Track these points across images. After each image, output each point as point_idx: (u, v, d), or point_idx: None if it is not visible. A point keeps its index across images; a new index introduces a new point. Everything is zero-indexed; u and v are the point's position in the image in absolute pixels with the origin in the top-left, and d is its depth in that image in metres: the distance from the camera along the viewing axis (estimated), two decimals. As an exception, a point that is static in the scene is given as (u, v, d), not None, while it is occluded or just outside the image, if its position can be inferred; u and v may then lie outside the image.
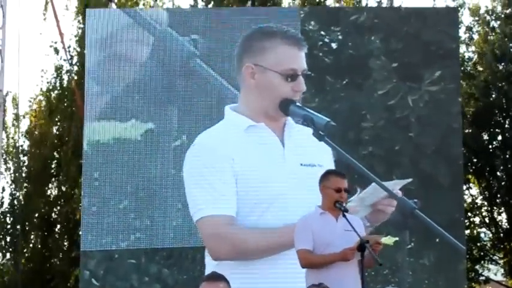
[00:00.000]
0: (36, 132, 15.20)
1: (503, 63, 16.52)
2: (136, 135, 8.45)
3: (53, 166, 15.07)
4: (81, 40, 14.37)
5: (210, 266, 7.28)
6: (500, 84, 16.25)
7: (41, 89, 15.55)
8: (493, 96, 16.43)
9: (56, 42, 15.18)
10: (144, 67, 8.62)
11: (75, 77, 14.54)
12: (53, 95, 15.37)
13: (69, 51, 14.74)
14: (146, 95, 8.56)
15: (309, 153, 7.31)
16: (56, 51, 15.21)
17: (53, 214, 15.04)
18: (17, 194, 14.99)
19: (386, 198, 6.63)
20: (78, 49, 14.67)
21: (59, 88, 15.28)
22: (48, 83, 15.39)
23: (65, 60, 15.24)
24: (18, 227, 14.61)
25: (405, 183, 6.85)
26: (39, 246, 14.79)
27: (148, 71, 8.60)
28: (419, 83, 8.76)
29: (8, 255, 15.17)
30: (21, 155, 15.31)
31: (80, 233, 8.62)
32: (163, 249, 8.34)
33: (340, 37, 8.92)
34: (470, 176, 16.48)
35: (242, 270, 7.14)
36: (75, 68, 14.58)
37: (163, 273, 8.41)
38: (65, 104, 14.96)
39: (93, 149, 8.58)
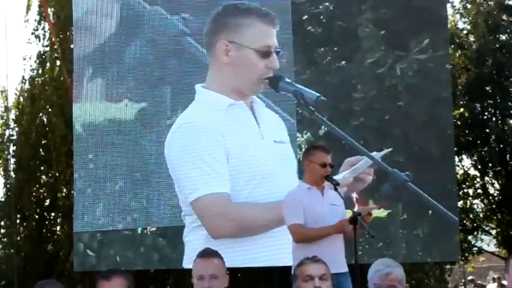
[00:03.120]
0: (23, 121, 15.12)
1: (496, 34, 16.54)
2: (130, 115, 8.44)
3: (42, 153, 15.02)
4: (61, 23, 14.25)
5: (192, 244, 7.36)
6: (493, 55, 16.27)
7: (23, 76, 15.47)
8: (485, 67, 16.45)
9: (37, 29, 15.10)
10: (135, 46, 8.61)
11: (58, 62, 14.46)
12: (36, 82, 15.28)
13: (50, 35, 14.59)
14: (138, 75, 8.55)
15: (276, 130, 7.42)
16: (38, 37, 15.12)
17: (47, 200, 15.02)
18: (9, 183, 14.95)
19: (368, 168, 6.72)
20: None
21: (41, 74, 15.17)
22: (31, 70, 15.32)
23: (46, 46, 15.13)
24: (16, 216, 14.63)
25: (384, 154, 6.90)
26: (35, 232, 14.80)
27: (139, 51, 8.59)
28: (407, 51, 8.75)
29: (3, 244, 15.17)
30: (10, 145, 15.26)
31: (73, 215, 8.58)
32: (157, 229, 8.36)
33: (329, 8, 8.91)
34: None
35: (233, 248, 7.19)
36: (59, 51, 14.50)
37: (159, 244, 8.47)
38: (48, 91, 14.87)
39: (87, 131, 8.58)
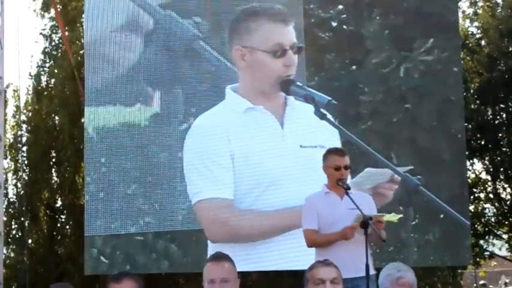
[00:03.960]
0: (32, 121, 15.15)
1: (506, 39, 16.49)
2: (143, 119, 8.46)
3: (53, 154, 15.04)
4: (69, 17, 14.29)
5: (212, 247, 7.36)
6: (504, 60, 16.24)
7: (30, 73, 15.47)
8: (497, 71, 16.41)
9: (44, 29, 15.15)
10: (148, 50, 8.61)
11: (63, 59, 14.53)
12: (43, 80, 15.30)
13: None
14: (151, 79, 8.56)
15: (311, 133, 7.34)
16: (46, 37, 15.14)
17: (58, 201, 15.04)
18: (19, 184, 14.96)
19: (387, 183, 6.67)
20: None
21: (48, 71, 15.20)
22: (37, 67, 15.33)
23: (53, 45, 15.13)
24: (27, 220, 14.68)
25: (407, 170, 6.88)
26: (46, 234, 14.83)
27: (152, 55, 8.58)
28: (415, 54, 8.74)
29: (14, 246, 15.18)
30: (20, 145, 15.26)
31: (85, 217, 8.59)
32: (168, 232, 8.37)
33: (340, 14, 8.93)
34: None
35: (244, 252, 7.22)
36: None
37: (171, 250, 8.47)
38: (52, 89, 14.90)
39: (99, 135, 8.59)
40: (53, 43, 15.22)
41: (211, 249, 7.29)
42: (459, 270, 17.05)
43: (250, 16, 7.63)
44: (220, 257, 4.19)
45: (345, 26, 8.94)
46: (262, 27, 7.48)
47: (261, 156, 7.29)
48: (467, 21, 17.64)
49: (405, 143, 8.54)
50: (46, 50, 15.21)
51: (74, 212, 14.00)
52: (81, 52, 12.70)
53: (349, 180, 6.23)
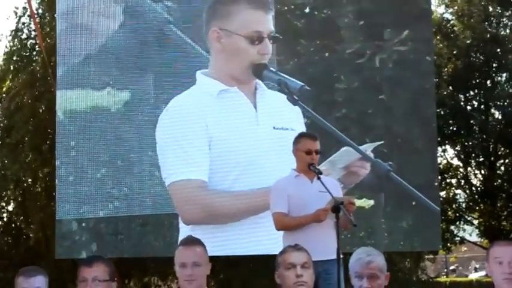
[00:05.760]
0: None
1: (486, 25, 16.60)
2: (113, 103, 8.41)
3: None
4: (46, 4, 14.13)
5: (184, 230, 7.34)
6: (481, 46, 16.33)
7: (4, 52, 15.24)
8: (472, 57, 16.51)
9: (17, 8, 14.96)
10: (118, 34, 8.55)
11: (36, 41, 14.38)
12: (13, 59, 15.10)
13: (38, 15, 14.37)
14: (121, 63, 8.51)
15: (282, 116, 7.36)
16: (16, 14, 14.93)
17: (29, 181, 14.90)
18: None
19: (359, 160, 6.68)
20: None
21: (18, 51, 15.03)
22: (6, 47, 15.13)
23: (24, 23, 14.95)
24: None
25: (376, 145, 6.89)
26: (14, 216, 14.77)
27: (122, 38, 8.53)
28: (388, 42, 8.77)
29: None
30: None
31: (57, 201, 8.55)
32: (139, 216, 8.35)
33: (312, 0, 8.93)
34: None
35: (217, 234, 7.22)
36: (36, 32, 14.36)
37: (142, 234, 8.47)
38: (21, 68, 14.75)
39: (69, 118, 8.54)
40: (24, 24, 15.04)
41: (184, 232, 7.28)
42: (430, 256, 17.19)
43: (232, 0, 7.60)
44: (192, 241, 4.18)
45: (317, 12, 8.94)
46: (242, 13, 7.45)
47: (237, 138, 7.29)
48: (443, 7, 17.74)
49: (379, 130, 8.56)
50: (15, 31, 15.02)
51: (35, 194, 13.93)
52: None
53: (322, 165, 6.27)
